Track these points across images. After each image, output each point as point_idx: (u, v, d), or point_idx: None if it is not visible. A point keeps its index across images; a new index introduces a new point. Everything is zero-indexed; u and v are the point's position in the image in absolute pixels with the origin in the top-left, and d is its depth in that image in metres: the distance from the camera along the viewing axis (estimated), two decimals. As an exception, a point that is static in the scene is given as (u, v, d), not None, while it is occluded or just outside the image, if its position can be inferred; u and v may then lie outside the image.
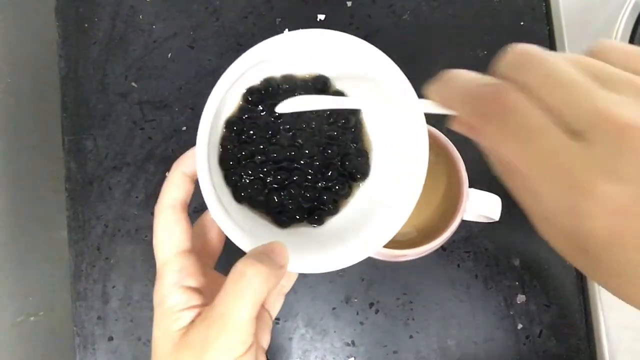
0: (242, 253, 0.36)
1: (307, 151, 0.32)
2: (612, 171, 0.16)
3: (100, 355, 0.45)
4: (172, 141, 0.47)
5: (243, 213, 0.31)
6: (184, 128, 0.47)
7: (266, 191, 0.32)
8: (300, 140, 0.32)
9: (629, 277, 0.17)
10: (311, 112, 0.32)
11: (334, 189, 0.32)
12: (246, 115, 0.32)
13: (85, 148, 0.47)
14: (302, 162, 0.32)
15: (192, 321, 0.27)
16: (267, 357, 0.28)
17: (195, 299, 0.28)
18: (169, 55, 0.49)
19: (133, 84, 0.48)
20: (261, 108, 0.32)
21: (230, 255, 0.37)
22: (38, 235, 0.56)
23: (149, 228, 0.46)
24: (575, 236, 0.18)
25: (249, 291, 0.24)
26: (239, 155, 0.31)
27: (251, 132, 0.32)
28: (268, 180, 0.32)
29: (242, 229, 0.29)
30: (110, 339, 0.45)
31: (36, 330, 0.53)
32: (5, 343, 0.50)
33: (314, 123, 0.32)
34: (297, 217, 0.32)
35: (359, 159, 0.32)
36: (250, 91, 0.32)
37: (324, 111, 0.32)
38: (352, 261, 0.29)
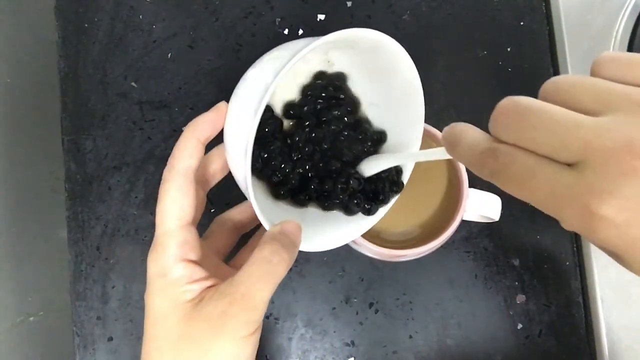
0: (243, 244, 0.37)
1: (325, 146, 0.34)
2: (606, 192, 0.18)
3: (100, 355, 0.45)
4: (172, 141, 0.47)
5: (261, 188, 0.33)
6: (184, 128, 0.47)
7: (289, 169, 0.33)
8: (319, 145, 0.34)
9: None
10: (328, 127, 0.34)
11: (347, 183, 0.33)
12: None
13: (85, 148, 0.47)
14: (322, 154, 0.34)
15: (201, 294, 0.28)
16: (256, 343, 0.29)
17: (198, 272, 0.29)
18: (169, 55, 0.49)
19: (133, 84, 0.48)
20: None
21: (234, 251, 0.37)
22: (37, 236, 0.56)
23: (149, 228, 0.47)
24: (599, 245, 0.20)
25: (272, 277, 0.27)
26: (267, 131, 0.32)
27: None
28: (294, 157, 0.33)
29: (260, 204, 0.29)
30: (110, 339, 0.45)
31: (36, 330, 0.53)
32: (5, 343, 0.50)
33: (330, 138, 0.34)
34: (310, 197, 0.33)
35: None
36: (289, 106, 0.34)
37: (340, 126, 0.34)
38: (358, 233, 0.32)
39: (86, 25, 0.49)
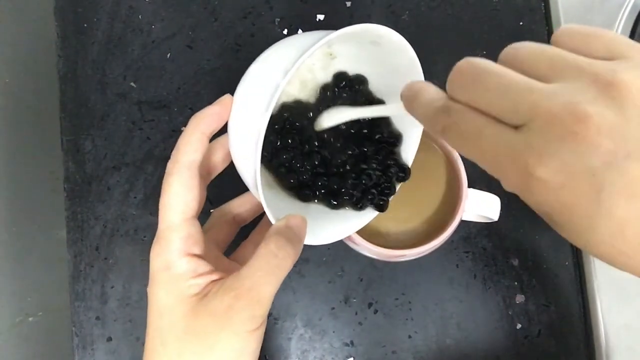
0: (242, 237, 0.37)
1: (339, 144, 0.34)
2: (545, 154, 0.19)
3: (99, 355, 0.45)
4: (171, 141, 0.47)
5: (266, 181, 0.33)
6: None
7: (298, 163, 0.33)
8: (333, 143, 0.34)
9: (589, 238, 0.20)
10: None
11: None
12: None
13: (84, 148, 0.47)
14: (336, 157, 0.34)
15: (206, 288, 0.28)
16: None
17: (202, 266, 0.29)
18: (168, 55, 0.49)
19: (132, 84, 0.48)
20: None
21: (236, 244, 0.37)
22: (37, 236, 0.56)
23: (148, 228, 0.47)
24: (537, 208, 0.21)
25: (278, 272, 0.27)
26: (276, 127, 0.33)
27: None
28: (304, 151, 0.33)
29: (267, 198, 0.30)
30: (109, 339, 0.45)
31: (35, 330, 0.53)
32: (4, 343, 0.50)
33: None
34: (318, 194, 0.34)
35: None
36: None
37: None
38: (363, 224, 0.33)
39: (85, 25, 0.49)
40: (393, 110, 0.28)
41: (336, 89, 0.34)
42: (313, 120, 0.33)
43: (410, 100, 0.24)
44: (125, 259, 0.46)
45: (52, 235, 0.56)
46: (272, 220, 0.29)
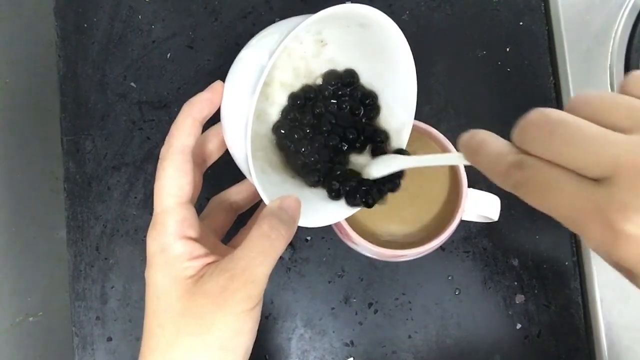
0: (240, 225, 0.37)
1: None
2: (631, 209, 0.18)
3: (99, 355, 0.45)
4: (171, 141, 0.47)
5: (262, 167, 0.33)
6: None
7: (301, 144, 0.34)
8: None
9: None
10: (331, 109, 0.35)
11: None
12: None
13: (84, 148, 0.47)
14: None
15: (202, 271, 0.29)
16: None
17: (198, 249, 0.29)
18: (168, 55, 0.49)
19: (132, 84, 0.48)
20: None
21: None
22: (37, 236, 0.56)
23: (148, 228, 0.47)
24: (618, 263, 0.20)
25: (272, 252, 0.27)
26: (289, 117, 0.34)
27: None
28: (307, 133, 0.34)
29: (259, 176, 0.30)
30: (109, 339, 0.45)
31: (35, 330, 0.53)
32: (4, 343, 0.50)
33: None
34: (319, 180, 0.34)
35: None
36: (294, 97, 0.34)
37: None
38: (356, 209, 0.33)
39: (85, 25, 0.49)
40: (452, 160, 0.28)
41: (329, 89, 0.34)
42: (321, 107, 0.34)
43: (473, 152, 0.23)
44: (125, 259, 0.46)
45: (52, 235, 0.56)
46: (266, 201, 0.29)
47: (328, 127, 0.34)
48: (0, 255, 0.52)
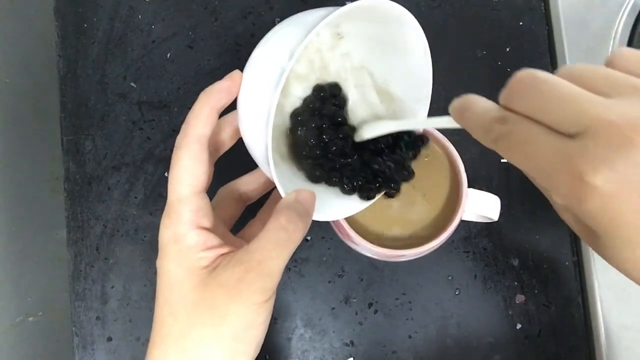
0: (250, 217, 0.37)
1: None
2: (600, 161, 0.19)
3: (99, 355, 0.45)
4: (171, 141, 0.47)
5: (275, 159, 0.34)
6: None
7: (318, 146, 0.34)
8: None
9: (628, 255, 0.21)
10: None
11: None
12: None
13: (84, 148, 0.47)
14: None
15: (216, 261, 0.29)
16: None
17: (212, 240, 0.29)
18: (168, 55, 0.49)
19: (132, 84, 0.48)
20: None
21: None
22: (37, 236, 0.56)
23: (148, 228, 0.47)
24: (583, 219, 0.21)
25: (288, 245, 0.27)
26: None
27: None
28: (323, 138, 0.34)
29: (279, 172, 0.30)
30: (109, 339, 0.45)
31: (35, 330, 0.53)
32: (4, 343, 0.50)
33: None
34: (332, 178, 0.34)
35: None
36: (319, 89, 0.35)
37: None
38: (368, 202, 0.33)
39: (85, 25, 0.49)
40: (441, 123, 0.28)
41: (319, 100, 0.35)
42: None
43: (461, 111, 0.24)
44: (125, 259, 0.46)
45: (52, 235, 0.56)
46: (282, 194, 0.29)
47: (344, 121, 0.34)
48: (0, 255, 0.52)
